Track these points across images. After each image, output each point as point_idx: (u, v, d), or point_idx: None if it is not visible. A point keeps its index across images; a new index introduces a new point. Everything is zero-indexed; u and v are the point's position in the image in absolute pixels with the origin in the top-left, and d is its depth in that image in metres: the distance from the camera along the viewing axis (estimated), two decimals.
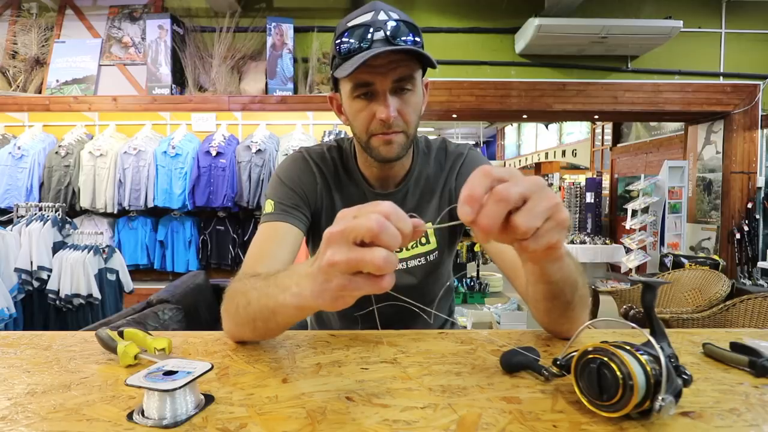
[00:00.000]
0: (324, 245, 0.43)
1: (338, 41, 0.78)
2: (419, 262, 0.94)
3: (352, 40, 0.77)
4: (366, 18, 0.77)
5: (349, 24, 0.78)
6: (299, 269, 0.52)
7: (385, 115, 0.78)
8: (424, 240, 0.94)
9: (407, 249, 0.93)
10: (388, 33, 0.76)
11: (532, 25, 3.79)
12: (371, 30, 0.76)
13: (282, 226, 0.84)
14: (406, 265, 0.93)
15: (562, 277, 0.59)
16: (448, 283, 1.04)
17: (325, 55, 4.24)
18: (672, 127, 6.10)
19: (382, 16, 0.77)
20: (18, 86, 4.21)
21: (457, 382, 0.55)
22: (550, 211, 0.42)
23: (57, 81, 4.21)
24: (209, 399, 0.50)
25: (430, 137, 1.00)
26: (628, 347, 0.45)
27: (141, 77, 4.22)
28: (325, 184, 0.93)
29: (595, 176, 8.04)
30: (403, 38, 0.76)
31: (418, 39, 0.78)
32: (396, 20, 0.76)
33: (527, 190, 0.42)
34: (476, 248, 5.20)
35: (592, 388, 0.46)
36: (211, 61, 4.13)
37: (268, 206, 0.87)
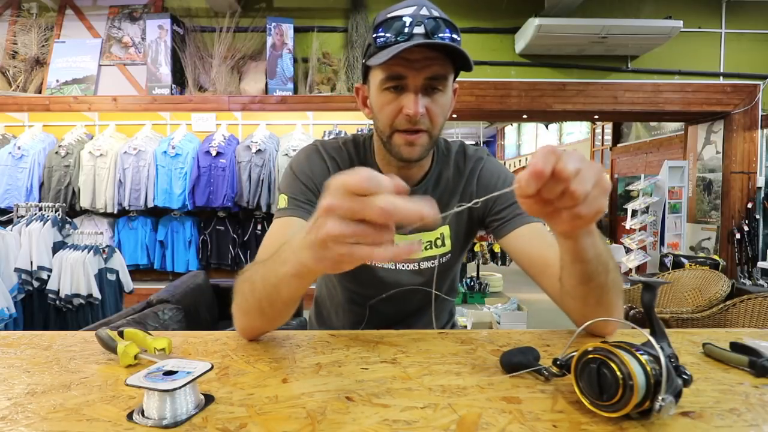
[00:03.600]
0: (323, 215, 0.45)
1: (376, 30, 0.77)
2: (431, 264, 0.93)
3: (389, 33, 0.75)
4: (408, 11, 0.76)
5: (389, 15, 0.77)
6: (296, 241, 0.53)
7: (413, 110, 0.76)
8: (439, 242, 0.92)
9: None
10: (428, 28, 0.74)
11: (532, 25, 3.79)
12: (411, 23, 0.74)
13: (295, 221, 0.83)
14: (418, 266, 0.92)
15: (595, 254, 0.61)
16: (451, 283, 1.03)
17: (326, 55, 4.24)
18: (672, 127, 6.11)
19: (423, 11, 0.76)
20: (18, 86, 4.21)
21: (457, 382, 0.55)
22: (597, 178, 0.49)
23: (57, 81, 4.21)
24: (209, 399, 0.50)
25: (449, 139, 0.99)
26: (628, 347, 0.45)
27: (141, 77, 4.22)
28: None
29: None
30: (441, 35, 0.75)
31: (456, 37, 0.76)
32: (437, 17, 0.75)
33: (580, 164, 0.48)
34: (476, 248, 5.20)
35: (592, 388, 0.46)
36: (211, 61, 4.13)
37: (282, 201, 0.87)
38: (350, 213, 0.44)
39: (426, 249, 0.92)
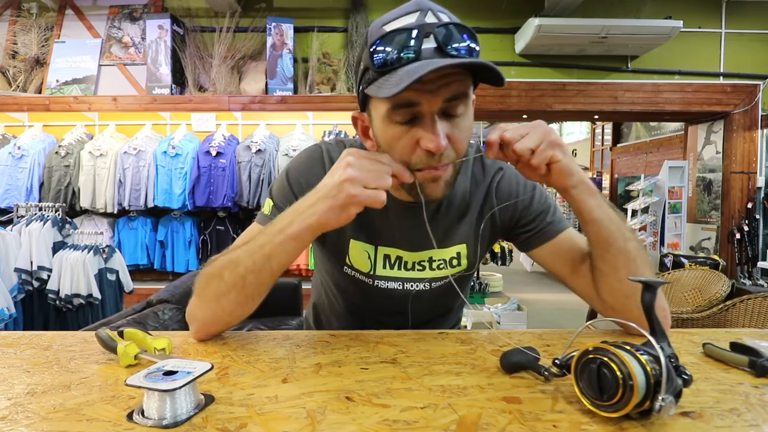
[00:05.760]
0: (343, 166, 0.61)
1: (373, 48, 0.62)
2: (442, 283, 0.87)
3: (390, 48, 0.60)
4: (410, 20, 0.61)
5: (389, 28, 0.62)
6: (307, 201, 0.64)
7: (434, 144, 0.62)
8: (455, 262, 0.86)
9: (431, 269, 0.86)
10: (439, 39, 0.60)
11: (532, 25, 3.79)
12: (417, 35, 0.60)
13: None
14: (429, 285, 0.86)
15: (606, 216, 0.70)
16: (457, 301, 0.99)
17: (326, 55, 4.24)
18: (672, 127, 6.11)
19: (430, 18, 0.61)
20: (18, 86, 4.21)
21: (457, 382, 0.55)
22: (542, 136, 0.64)
23: (57, 81, 4.21)
24: (209, 399, 0.50)
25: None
26: (628, 347, 0.45)
27: (141, 77, 4.22)
28: None
29: (595, 176, 8.05)
30: (455, 45, 0.61)
31: (475, 46, 0.63)
32: (448, 24, 0.61)
33: (524, 129, 0.64)
34: None
35: (592, 388, 0.46)
36: (211, 61, 4.13)
37: (267, 206, 0.83)
38: (365, 161, 0.61)
39: (439, 269, 0.86)
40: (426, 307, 0.89)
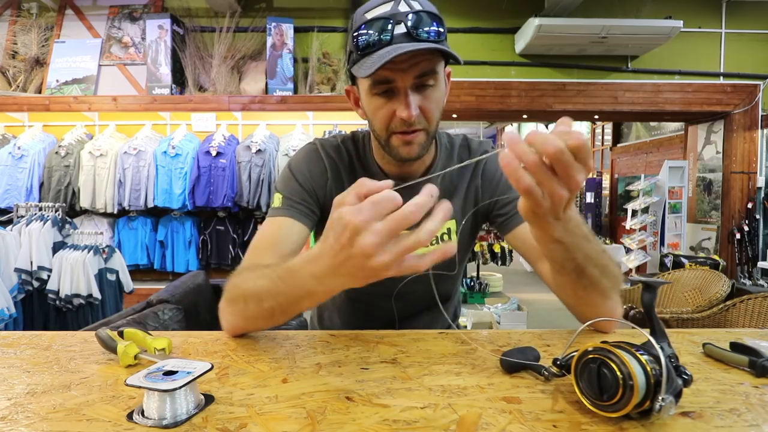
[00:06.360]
0: (361, 256, 0.46)
1: (356, 33, 0.73)
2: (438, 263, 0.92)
3: (371, 31, 0.72)
4: (385, 9, 0.72)
5: (368, 16, 0.73)
6: (319, 268, 0.53)
7: (406, 114, 0.74)
8: (446, 238, 0.92)
9: (424, 246, 0.91)
10: (409, 25, 0.71)
11: (532, 25, 3.79)
12: (391, 23, 0.71)
13: (287, 222, 0.83)
14: None
15: (567, 264, 0.64)
16: (456, 285, 1.02)
17: (326, 55, 4.24)
18: (672, 127, 6.11)
19: (403, 7, 0.72)
20: (18, 86, 4.21)
21: (457, 382, 0.55)
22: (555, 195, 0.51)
23: (57, 81, 4.21)
24: (209, 399, 0.50)
25: (451, 133, 0.98)
26: (628, 347, 0.45)
27: (141, 77, 4.22)
28: (338, 178, 0.90)
29: (595, 176, 8.05)
30: (425, 29, 0.71)
31: (441, 30, 0.73)
32: (418, 11, 0.72)
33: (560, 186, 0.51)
34: (476, 248, 5.20)
35: (592, 388, 0.46)
36: (211, 61, 4.13)
37: (276, 200, 0.87)
38: (386, 231, 0.46)
39: (432, 244, 0.89)
40: (422, 289, 0.90)
